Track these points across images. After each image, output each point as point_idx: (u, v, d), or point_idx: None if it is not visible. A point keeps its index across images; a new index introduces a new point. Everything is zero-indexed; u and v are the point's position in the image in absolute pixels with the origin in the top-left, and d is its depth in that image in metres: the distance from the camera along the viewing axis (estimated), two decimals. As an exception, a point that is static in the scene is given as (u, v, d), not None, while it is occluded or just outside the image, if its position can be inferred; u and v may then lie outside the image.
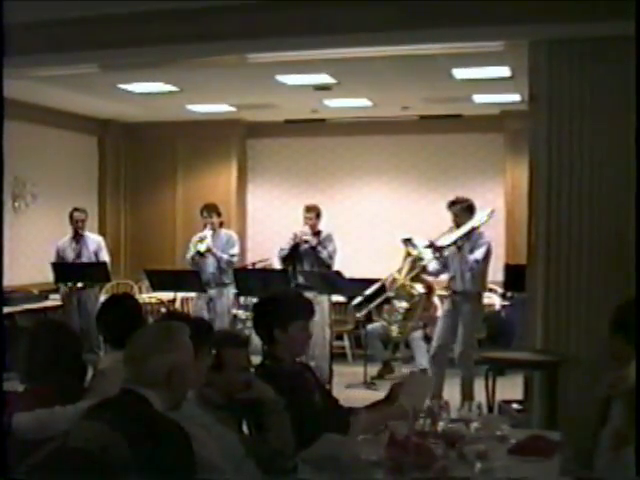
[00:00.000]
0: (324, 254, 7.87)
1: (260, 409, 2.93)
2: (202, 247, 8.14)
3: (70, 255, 8.48)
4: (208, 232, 8.22)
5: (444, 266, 6.87)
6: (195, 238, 8.32)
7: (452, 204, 6.86)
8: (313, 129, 10.46)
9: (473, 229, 6.74)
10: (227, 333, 3.70)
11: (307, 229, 7.97)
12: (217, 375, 2.86)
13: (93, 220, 9.84)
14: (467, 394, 6.60)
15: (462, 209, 6.79)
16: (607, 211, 5.30)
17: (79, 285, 8.31)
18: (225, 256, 8.15)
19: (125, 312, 3.69)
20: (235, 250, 8.30)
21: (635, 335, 3.12)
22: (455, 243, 6.69)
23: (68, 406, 3.03)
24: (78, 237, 8.53)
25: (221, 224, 8.41)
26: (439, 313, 7.73)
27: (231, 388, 2.89)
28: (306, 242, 7.90)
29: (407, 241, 6.92)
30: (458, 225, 6.75)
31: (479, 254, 6.68)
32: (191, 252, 8.24)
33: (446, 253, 6.80)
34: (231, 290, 8.21)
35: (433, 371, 6.90)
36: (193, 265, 8.21)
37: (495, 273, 9.17)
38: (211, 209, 8.36)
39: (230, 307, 8.36)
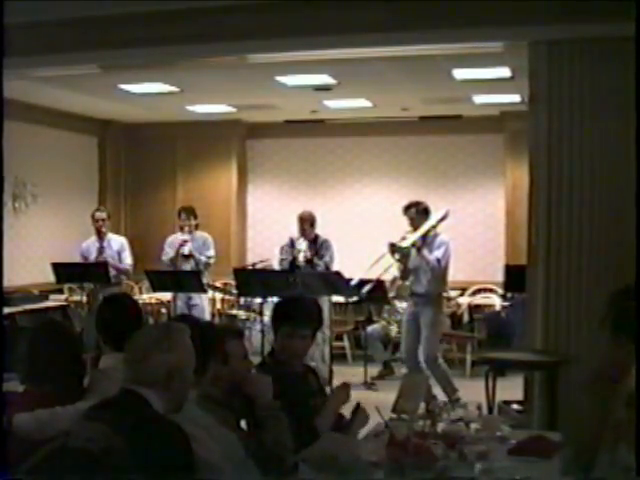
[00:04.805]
0: (321, 266, 7.91)
1: (254, 409, 2.94)
2: (186, 250, 8.38)
3: (93, 255, 8.46)
4: (187, 235, 8.42)
5: (407, 270, 6.91)
6: (176, 240, 8.50)
7: (407, 208, 6.95)
8: (313, 130, 10.45)
9: (429, 231, 6.81)
10: (225, 325, 3.76)
11: (302, 241, 8.00)
12: (223, 367, 2.87)
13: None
14: (450, 392, 6.66)
15: (417, 212, 6.88)
16: (607, 211, 5.30)
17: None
18: (203, 258, 8.40)
19: (124, 313, 3.68)
20: (211, 252, 8.53)
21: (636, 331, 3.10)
22: (414, 245, 6.74)
23: (68, 406, 3.03)
24: (101, 237, 8.52)
25: (196, 226, 8.56)
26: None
27: (236, 377, 2.91)
28: (306, 259, 7.93)
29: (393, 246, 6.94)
30: (415, 228, 6.83)
31: (439, 253, 6.75)
32: (170, 255, 8.43)
33: (413, 258, 6.82)
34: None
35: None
36: (171, 267, 8.42)
37: (495, 273, 9.20)
38: (189, 212, 8.60)
39: (206, 306, 8.49)
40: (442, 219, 6.97)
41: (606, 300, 3.10)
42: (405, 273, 6.98)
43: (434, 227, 6.88)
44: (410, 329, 6.93)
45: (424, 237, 6.79)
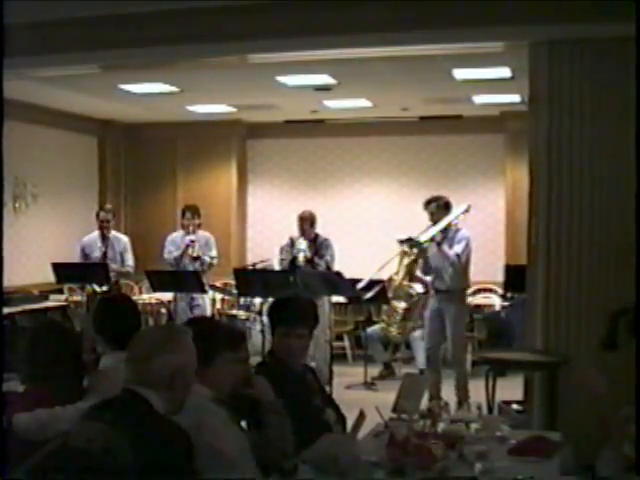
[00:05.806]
0: (322, 265, 7.90)
1: (258, 408, 2.94)
2: (195, 251, 8.33)
3: (97, 253, 8.43)
4: (193, 235, 8.37)
5: (428, 266, 6.89)
6: (179, 239, 8.45)
7: (428, 203, 6.91)
8: (313, 130, 10.45)
9: (450, 226, 6.79)
10: (237, 328, 3.73)
11: (302, 240, 7.98)
12: (228, 369, 2.87)
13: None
14: (462, 395, 6.63)
15: (438, 207, 6.84)
16: (607, 211, 5.30)
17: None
18: (207, 258, 8.38)
19: (122, 313, 3.67)
20: (214, 252, 8.51)
21: (635, 328, 3.12)
22: (433, 239, 6.72)
23: (68, 406, 3.04)
24: (105, 236, 8.49)
25: (199, 226, 8.52)
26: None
27: (239, 380, 2.89)
28: (306, 259, 7.93)
29: (403, 242, 6.92)
30: (435, 223, 6.80)
31: (459, 248, 6.73)
32: (174, 254, 8.38)
33: (430, 252, 6.79)
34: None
35: (429, 372, 6.92)
36: (174, 266, 8.38)
37: (495, 273, 9.20)
38: (194, 211, 8.54)
39: (208, 306, 8.50)
40: (463, 213, 6.94)
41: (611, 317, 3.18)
42: (426, 269, 6.96)
43: (454, 221, 6.85)
44: (434, 326, 6.89)
45: (445, 232, 6.77)
